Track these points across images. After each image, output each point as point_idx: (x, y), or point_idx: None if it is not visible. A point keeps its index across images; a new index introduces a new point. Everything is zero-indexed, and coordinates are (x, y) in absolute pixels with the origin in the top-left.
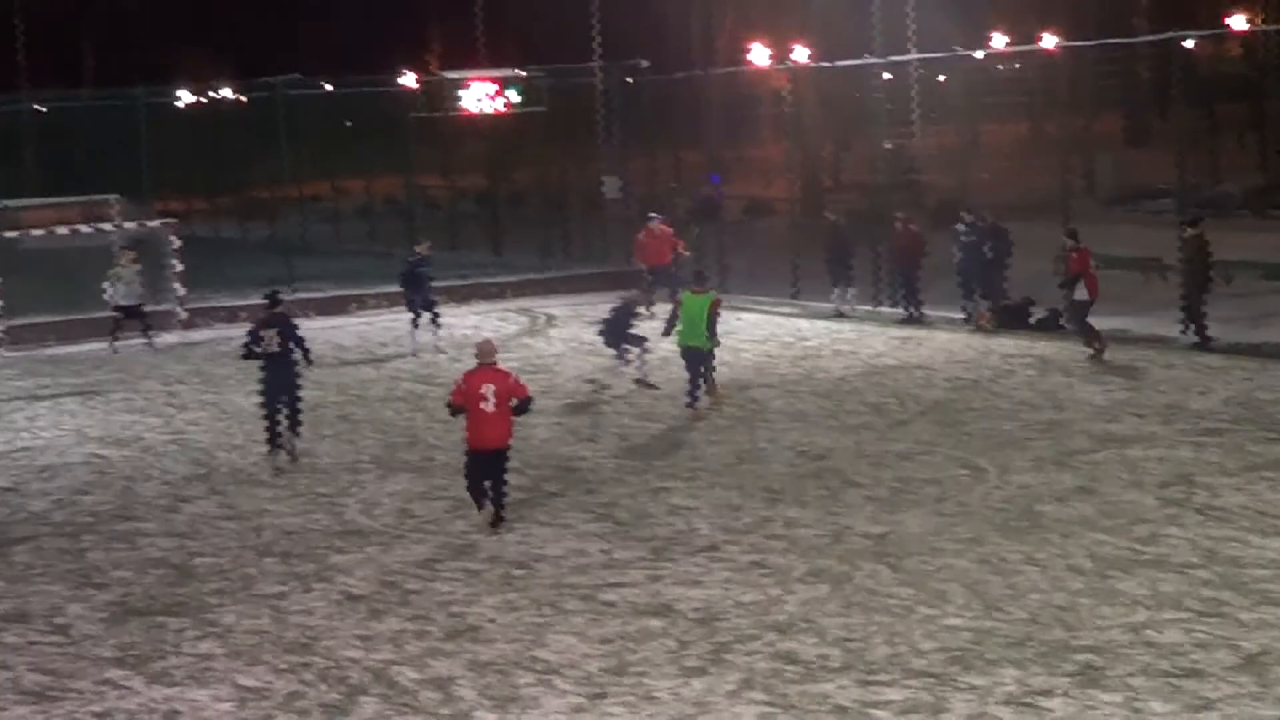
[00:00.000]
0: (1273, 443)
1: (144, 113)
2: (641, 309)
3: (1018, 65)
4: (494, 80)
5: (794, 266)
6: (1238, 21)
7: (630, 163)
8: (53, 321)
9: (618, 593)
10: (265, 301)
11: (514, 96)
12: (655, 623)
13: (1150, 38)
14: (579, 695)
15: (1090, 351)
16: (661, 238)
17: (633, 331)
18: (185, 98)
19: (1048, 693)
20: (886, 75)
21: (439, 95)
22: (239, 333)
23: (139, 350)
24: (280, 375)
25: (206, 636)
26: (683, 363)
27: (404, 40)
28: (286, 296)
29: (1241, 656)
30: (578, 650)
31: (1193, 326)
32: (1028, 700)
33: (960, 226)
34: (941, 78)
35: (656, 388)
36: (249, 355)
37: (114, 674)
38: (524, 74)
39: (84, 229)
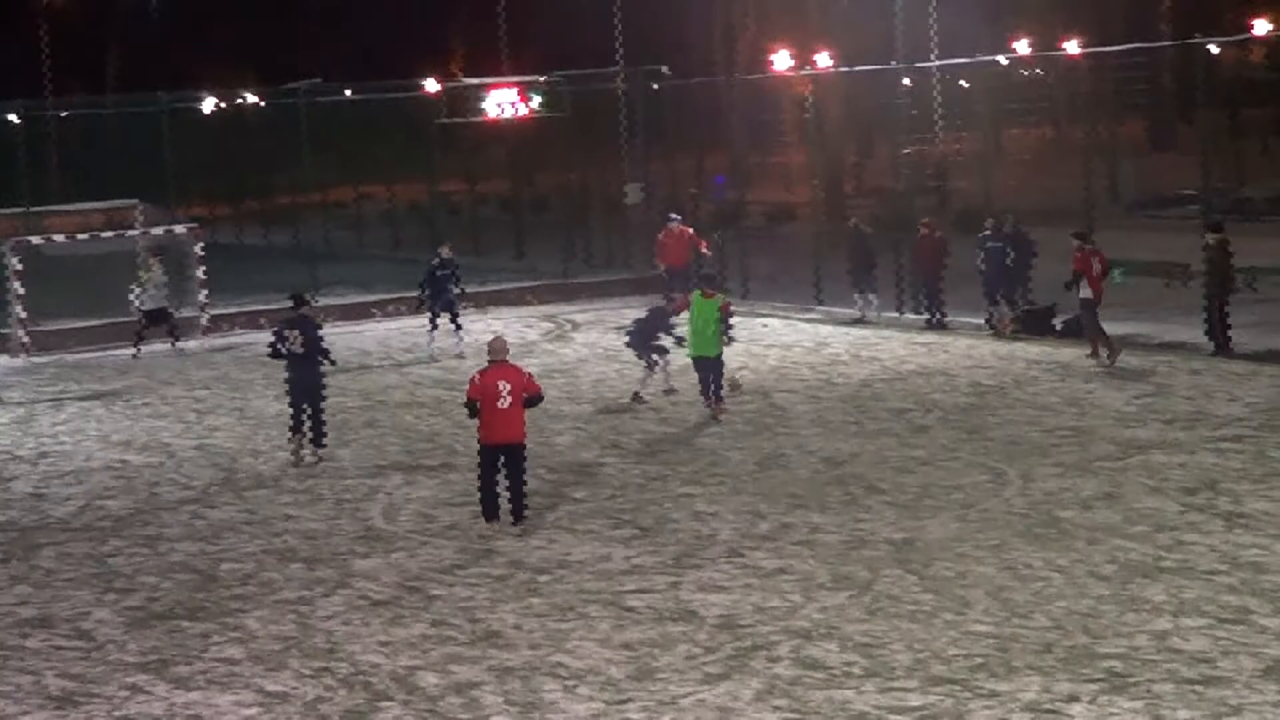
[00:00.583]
0: None
1: (167, 118)
2: (673, 319)
3: (1040, 71)
4: (516, 86)
5: (817, 272)
6: (1262, 26)
7: (652, 168)
8: (77, 327)
9: (640, 598)
10: (290, 303)
11: (536, 102)
12: (678, 628)
13: (1174, 42)
14: (601, 701)
15: (1088, 353)
16: (681, 238)
17: (658, 341)
18: (208, 103)
19: (1071, 699)
20: (908, 81)
21: (461, 101)
22: (262, 338)
23: (162, 355)
24: (304, 375)
25: (230, 641)
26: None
27: (427, 46)
28: (310, 300)
29: (1265, 663)
30: (600, 656)
31: (1215, 332)
32: (1051, 707)
33: (984, 232)
34: (964, 83)
35: (645, 402)
36: (275, 355)
37: (137, 679)
38: (546, 80)
39: (107, 234)
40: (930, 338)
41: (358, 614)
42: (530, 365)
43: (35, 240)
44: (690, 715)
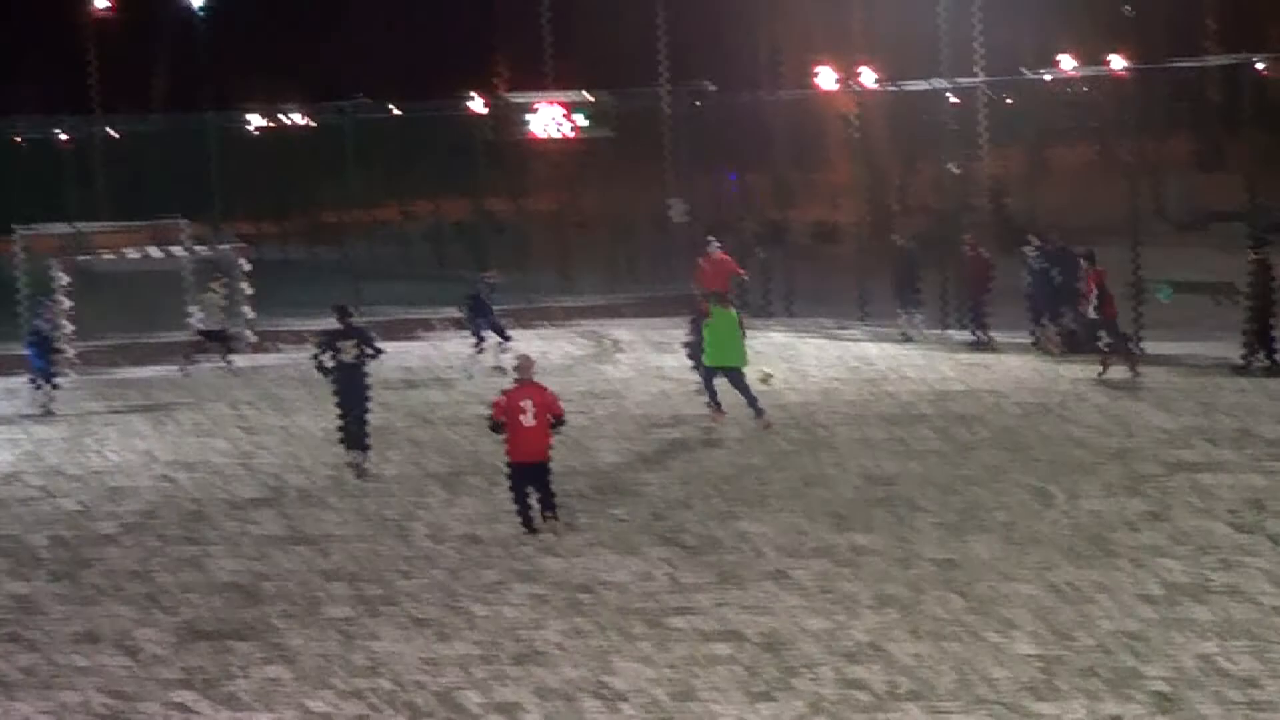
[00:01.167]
0: None
1: (214, 136)
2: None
3: (1086, 89)
4: (561, 104)
5: (861, 290)
6: None
7: (697, 186)
8: (123, 344)
9: (684, 618)
10: (337, 315)
11: (581, 120)
12: (722, 648)
13: (1220, 59)
14: None
15: (1100, 370)
16: (721, 264)
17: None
18: (255, 121)
19: None
20: (954, 99)
21: (507, 119)
22: (307, 356)
23: (208, 373)
24: (353, 385)
25: (274, 660)
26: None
27: (472, 64)
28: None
29: None
30: (644, 676)
31: (1261, 352)
32: None
33: (1029, 250)
34: (1009, 100)
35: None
36: (321, 367)
37: (182, 696)
38: (591, 98)
39: (154, 252)
40: (975, 356)
41: (401, 632)
42: (574, 384)
43: (83, 258)
44: None
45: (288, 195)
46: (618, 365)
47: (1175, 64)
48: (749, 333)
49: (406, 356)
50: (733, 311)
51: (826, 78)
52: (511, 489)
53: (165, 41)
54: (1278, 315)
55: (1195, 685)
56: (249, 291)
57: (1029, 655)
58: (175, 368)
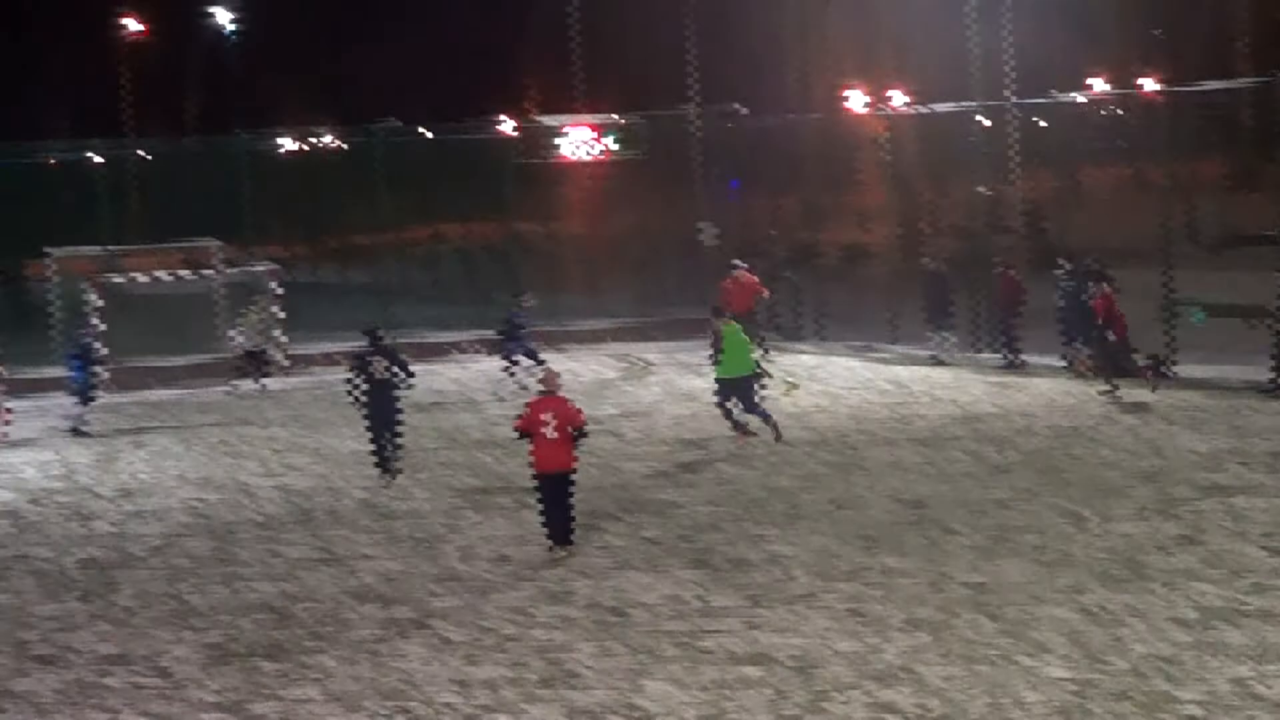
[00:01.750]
0: None
1: (245, 158)
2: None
3: (1119, 110)
4: (592, 126)
5: (892, 312)
6: None
7: (727, 207)
8: (155, 365)
9: (715, 640)
10: (368, 338)
11: (612, 142)
12: (753, 671)
13: (1253, 80)
14: None
15: (1107, 388)
16: (746, 285)
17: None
18: (286, 143)
19: None
20: (984, 120)
21: (537, 141)
22: (338, 377)
23: (240, 394)
24: (384, 402)
25: (305, 681)
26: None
27: (502, 86)
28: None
29: None
30: (675, 698)
31: None
32: None
33: (1060, 272)
34: (1041, 122)
35: (754, 434)
36: (354, 393)
37: (213, 717)
38: (622, 120)
39: (186, 274)
40: (1007, 378)
41: (432, 653)
42: (604, 405)
43: (116, 279)
44: None
45: (319, 217)
46: (647, 387)
47: (1207, 85)
48: (776, 353)
49: (437, 379)
50: (735, 325)
51: (856, 100)
52: (540, 500)
53: (197, 64)
54: None
55: (1229, 709)
56: (280, 313)
57: (1061, 678)
58: (221, 387)
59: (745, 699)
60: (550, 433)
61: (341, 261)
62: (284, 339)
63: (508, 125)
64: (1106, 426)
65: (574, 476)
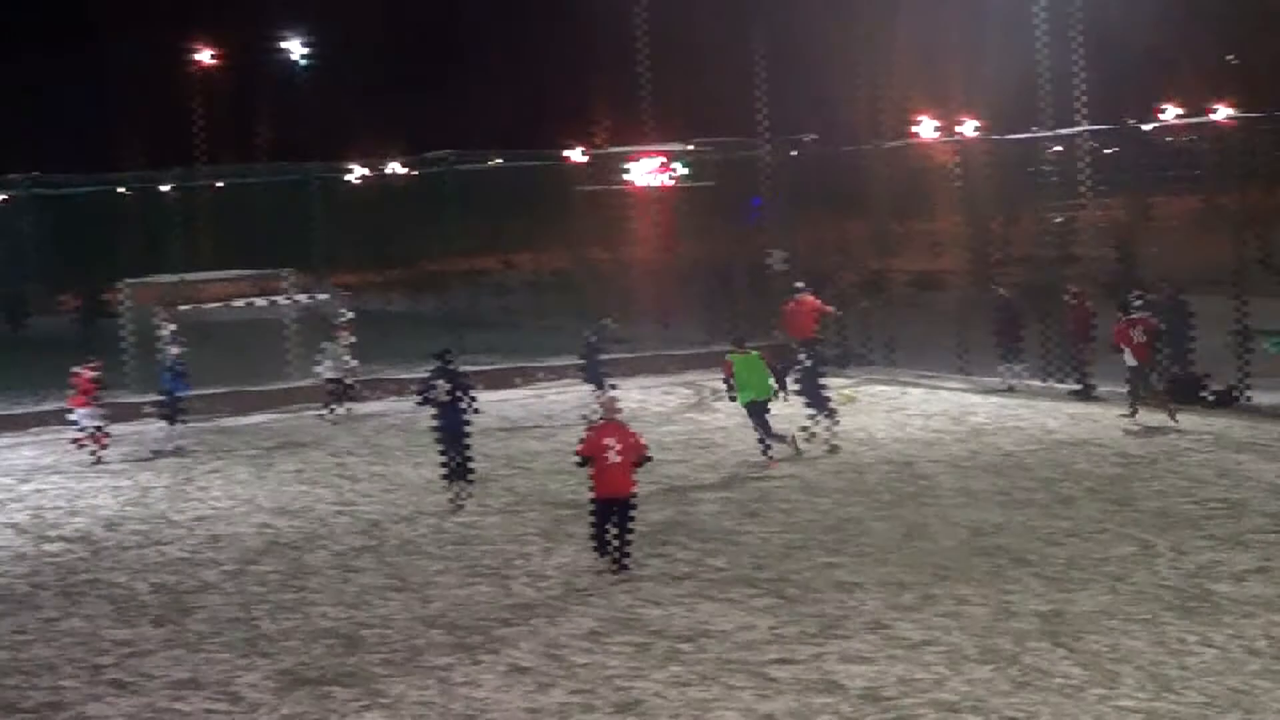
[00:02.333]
0: None
1: (317, 187)
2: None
3: (1192, 138)
4: (661, 154)
5: (963, 340)
6: None
7: (796, 236)
8: (226, 392)
9: (783, 668)
10: (437, 359)
11: (681, 170)
12: (822, 699)
13: None
14: None
15: (1128, 414)
16: (808, 308)
17: (825, 392)
18: (357, 172)
19: None
20: (1056, 147)
21: (606, 169)
22: (408, 406)
23: (311, 421)
24: (449, 422)
25: (374, 707)
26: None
27: (572, 115)
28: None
29: None
30: None
31: None
32: None
33: (1132, 300)
34: (1112, 150)
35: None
36: (424, 401)
37: None
38: (690, 148)
39: (259, 302)
40: (1078, 407)
41: (501, 681)
42: (674, 433)
43: (187, 307)
44: None
45: (389, 245)
46: (715, 415)
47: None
48: (848, 382)
49: (506, 405)
50: (753, 354)
51: (927, 127)
52: (593, 523)
53: (268, 93)
54: None
55: None
56: (351, 340)
57: (1134, 709)
58: (309, 413)
59: None
60: (614, 456)
61: (412, 289)
62: (355, 365)
63: (577, 153)
64: (1179, 455)
65: (634, 501)
